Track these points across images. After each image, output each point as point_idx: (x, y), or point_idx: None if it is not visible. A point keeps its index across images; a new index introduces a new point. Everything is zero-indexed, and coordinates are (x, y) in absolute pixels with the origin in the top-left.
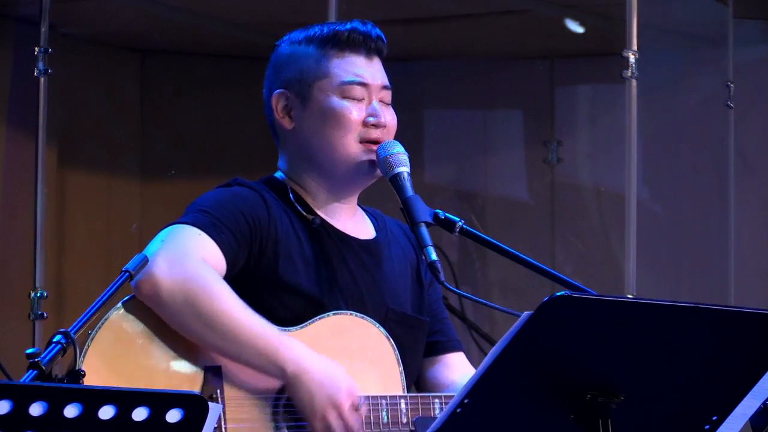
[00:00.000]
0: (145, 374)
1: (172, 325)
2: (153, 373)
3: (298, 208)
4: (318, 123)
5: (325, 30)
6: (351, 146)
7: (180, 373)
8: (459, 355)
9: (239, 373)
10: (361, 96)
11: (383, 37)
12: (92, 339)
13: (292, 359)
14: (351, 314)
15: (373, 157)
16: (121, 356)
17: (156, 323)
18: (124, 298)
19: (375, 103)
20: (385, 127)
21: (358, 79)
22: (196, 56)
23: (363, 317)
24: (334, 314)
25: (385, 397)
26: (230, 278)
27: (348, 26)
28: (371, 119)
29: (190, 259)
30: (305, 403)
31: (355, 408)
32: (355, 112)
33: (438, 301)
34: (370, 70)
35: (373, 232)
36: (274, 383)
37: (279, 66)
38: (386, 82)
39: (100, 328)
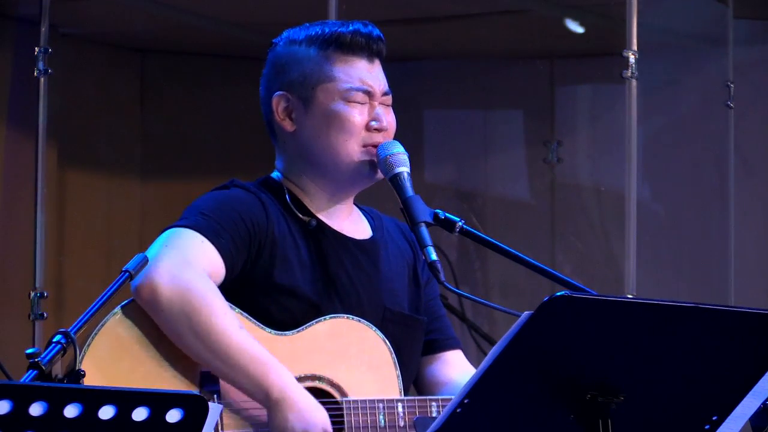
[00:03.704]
0: (141, 380)
1: (167, 333)
2: (149, 379)
3: (294, 209)
4: (321, 126)
5: (327, 31)
6: (353, 150)
7: (177, 380)
8: (457, 352)
9: None
10: (364, 101)
11: (383, 38)
12: (89, 345)
13: (279, 386)
14: (348, 318)
15: (374, 158)
16: (117, 363)
17: (153, 329)
18: (123, 303)
19: (378, 108)
20: (387, 131)
21: (364, 87)
22: (196, 56)
23: (360, 321)
24: (331, 318)
25: (382, 401)
26: (227, 282)
27: (350, 28)
28: (374, 123)
29: (192, 270)
30: (279, 429)
31: None
32: (358, 117)
33: (435, 299)
34: (373, 76)
35: (369, 231)
36: None
37: (278, 67)
38: (387, 87)
39: (96, 333)
